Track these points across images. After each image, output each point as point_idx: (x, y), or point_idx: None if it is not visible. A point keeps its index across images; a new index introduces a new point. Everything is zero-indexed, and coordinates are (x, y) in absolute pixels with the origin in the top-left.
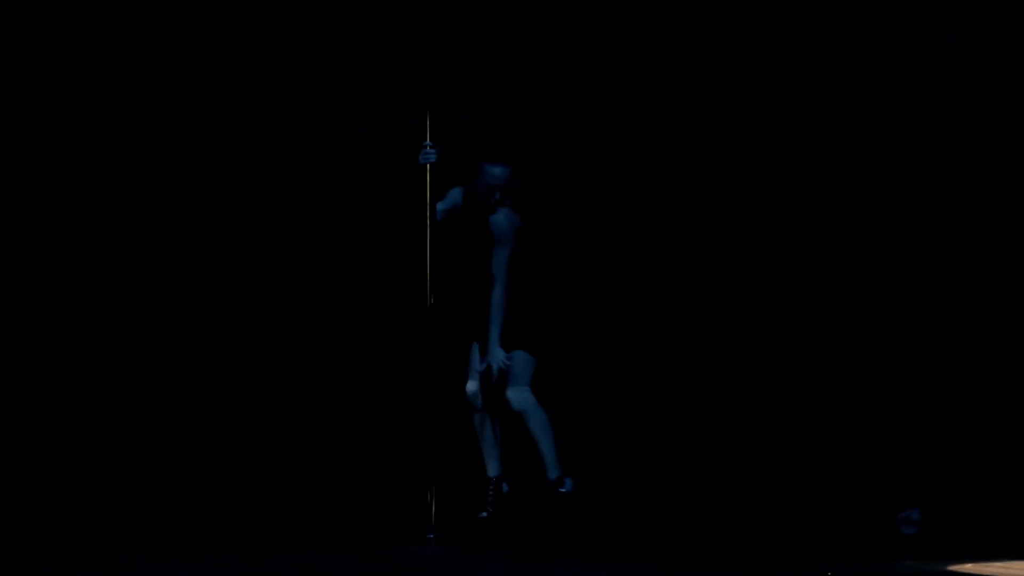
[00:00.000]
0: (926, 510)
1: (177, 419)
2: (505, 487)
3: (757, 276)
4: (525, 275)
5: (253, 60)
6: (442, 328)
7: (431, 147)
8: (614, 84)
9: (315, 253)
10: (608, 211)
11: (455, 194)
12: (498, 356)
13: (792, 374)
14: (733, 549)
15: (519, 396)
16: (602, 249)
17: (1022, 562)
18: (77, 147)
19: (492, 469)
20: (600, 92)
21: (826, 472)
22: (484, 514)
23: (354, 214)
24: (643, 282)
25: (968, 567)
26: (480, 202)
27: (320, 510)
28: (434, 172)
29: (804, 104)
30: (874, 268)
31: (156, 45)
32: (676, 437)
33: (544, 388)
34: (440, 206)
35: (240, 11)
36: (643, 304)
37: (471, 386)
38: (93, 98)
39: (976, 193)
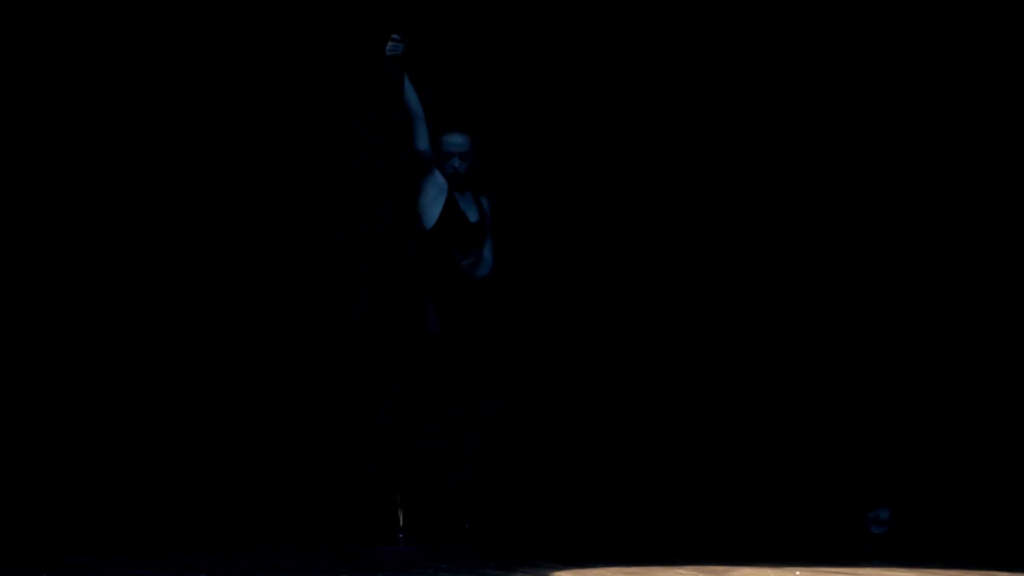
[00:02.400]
0: (895, 510)
1: (150, 415)
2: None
3: (742, 270)
4: None
5: (252, 62)
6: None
7: (398, 39)
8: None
9: (297, 250)
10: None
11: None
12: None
13: (764, 375)
14: (703, 547)
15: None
16: None
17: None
18: (71, 145)
19: None
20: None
21: (796, 470)
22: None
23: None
24: None
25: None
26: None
27: (294, 510)
28: None
29: (803, 103)
30: (857, 269)
31: (155, 44)
32: (647, 438)
33: None
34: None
35: (238, 12)
36: None
37: None
38: (89, 96)
39: (943, 196)
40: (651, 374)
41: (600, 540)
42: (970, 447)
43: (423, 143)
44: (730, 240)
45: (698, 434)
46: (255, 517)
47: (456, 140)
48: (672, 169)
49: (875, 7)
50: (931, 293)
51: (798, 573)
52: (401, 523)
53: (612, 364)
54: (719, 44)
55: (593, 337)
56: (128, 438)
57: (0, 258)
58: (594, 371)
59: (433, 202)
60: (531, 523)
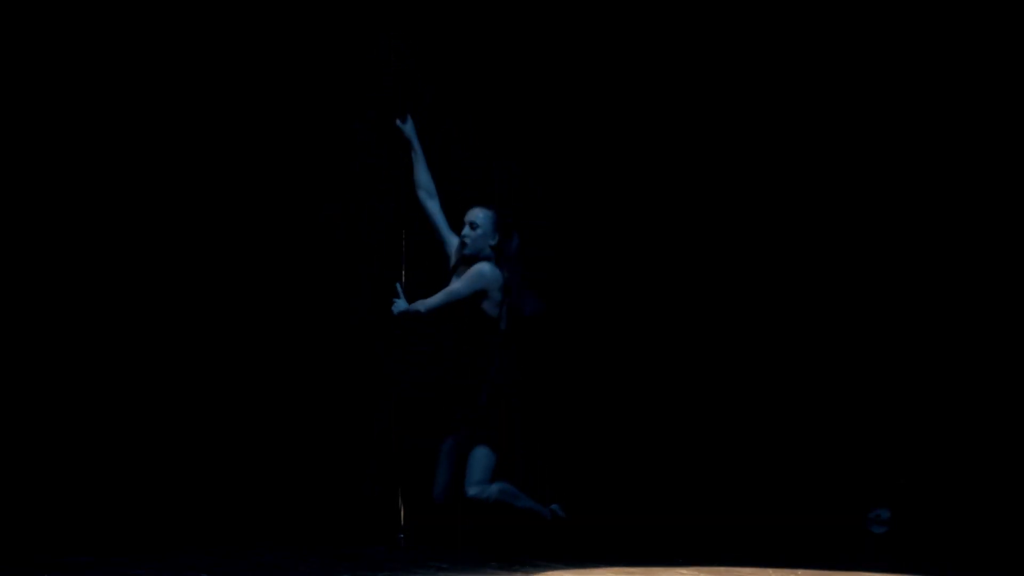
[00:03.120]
0: (895, 509)
1: (150, 416)
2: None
3: (741, 273)
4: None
5: (253, 63)
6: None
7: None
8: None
9: (297, 250)
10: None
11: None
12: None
13: (766, 373)
14: (705, 550)
15: (480, 492)
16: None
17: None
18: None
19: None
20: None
21: (796, 471)
22: None
23: (336, 215)
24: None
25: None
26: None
27: (294, 510)
28: None
29: (803, 102)
30: (856, 270)
31: (155, 45)
32: (649, 434)
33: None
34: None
35: (238, 13)
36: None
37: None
38: (89, 97)
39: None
40: (652, 375)
41: (600, 540)
42: (970, 448)
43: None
44: (730, 245)
45: (699, 435)
46: (255, 517)
47: (472, 211)
48: (673, 176)
49: (875, 7)
50: (930, 294)
51: (800, 574)
52: (401, 523)
53: (614, 366)
54: (723, 52)
55: (594, 340)
56: (128, 438)
57: (0, 258)
58: (596, 373)
59: None
60: (532, 524)
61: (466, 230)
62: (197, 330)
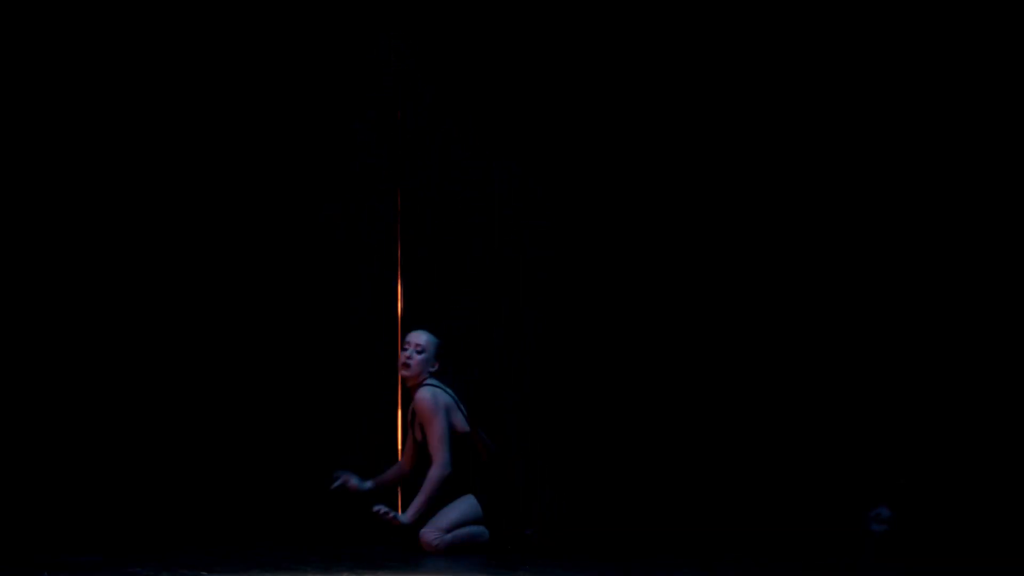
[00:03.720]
0: (895, 508)
1: (151, 416)
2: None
3: (744, 277)
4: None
5: (253, 63)
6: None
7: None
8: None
9: (297, 250)
10: None
11: None
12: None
13: (766, 374)
14: (705, 550)
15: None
16: None
17: None
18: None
19: None
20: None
21: (796, 471)
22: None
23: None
24: None
25: None
26: None
27: (294, 510)
28: None
29: (801, 103)
30: (854, 272)
31: (156, 45)
32: (648, 433)
33: None
34: None
35: (239, 13)
36: None
37: None
38: (90, 97)
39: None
40: (652, 378)
41: (600, 543)
42: (970, 447)
43: None
44: (730, 246)
45: (698, 438)
46: (255, 517)
47: (415, 333)
48: (673, 177)
49: (875, 7)
50: (930, 294)
51: None
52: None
53: (613, 368)
54: (722, 52)
55: (593, 340)
56: (129, 439)
57: (2, 259)
58: (594, 374)
59: None
60: (533, 525)
61: (410, 351)
62: (198, 330)
